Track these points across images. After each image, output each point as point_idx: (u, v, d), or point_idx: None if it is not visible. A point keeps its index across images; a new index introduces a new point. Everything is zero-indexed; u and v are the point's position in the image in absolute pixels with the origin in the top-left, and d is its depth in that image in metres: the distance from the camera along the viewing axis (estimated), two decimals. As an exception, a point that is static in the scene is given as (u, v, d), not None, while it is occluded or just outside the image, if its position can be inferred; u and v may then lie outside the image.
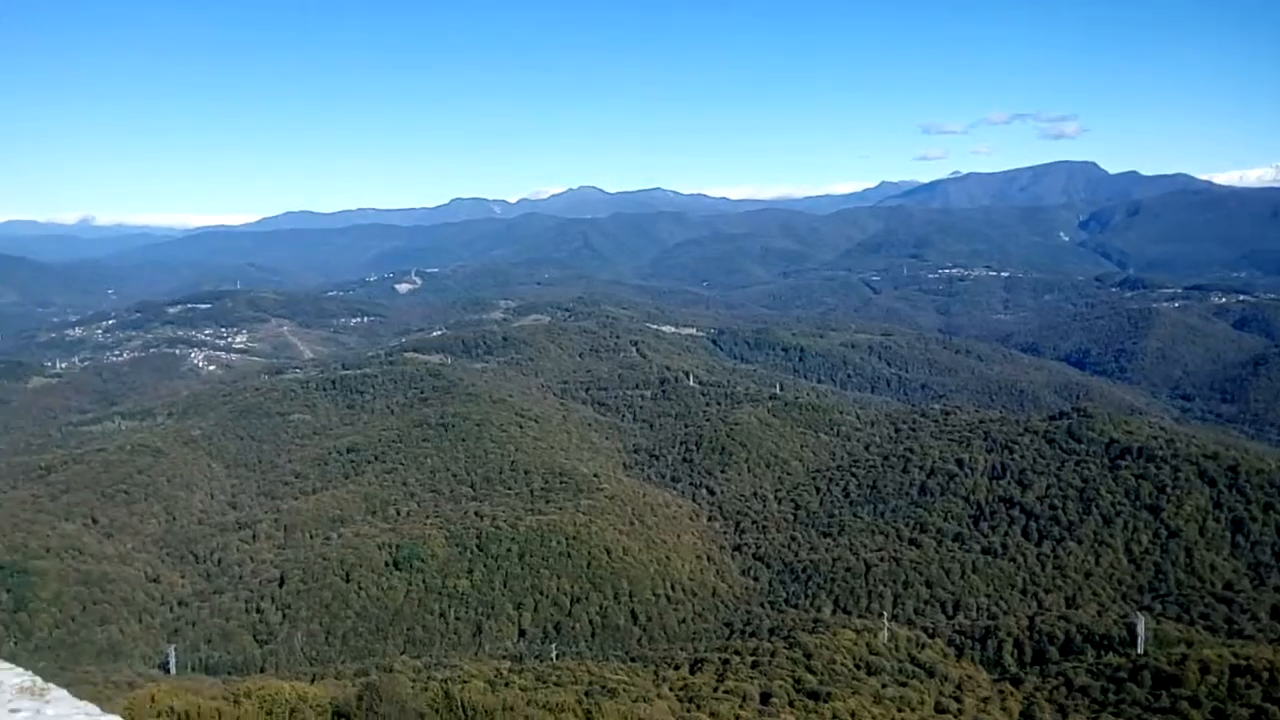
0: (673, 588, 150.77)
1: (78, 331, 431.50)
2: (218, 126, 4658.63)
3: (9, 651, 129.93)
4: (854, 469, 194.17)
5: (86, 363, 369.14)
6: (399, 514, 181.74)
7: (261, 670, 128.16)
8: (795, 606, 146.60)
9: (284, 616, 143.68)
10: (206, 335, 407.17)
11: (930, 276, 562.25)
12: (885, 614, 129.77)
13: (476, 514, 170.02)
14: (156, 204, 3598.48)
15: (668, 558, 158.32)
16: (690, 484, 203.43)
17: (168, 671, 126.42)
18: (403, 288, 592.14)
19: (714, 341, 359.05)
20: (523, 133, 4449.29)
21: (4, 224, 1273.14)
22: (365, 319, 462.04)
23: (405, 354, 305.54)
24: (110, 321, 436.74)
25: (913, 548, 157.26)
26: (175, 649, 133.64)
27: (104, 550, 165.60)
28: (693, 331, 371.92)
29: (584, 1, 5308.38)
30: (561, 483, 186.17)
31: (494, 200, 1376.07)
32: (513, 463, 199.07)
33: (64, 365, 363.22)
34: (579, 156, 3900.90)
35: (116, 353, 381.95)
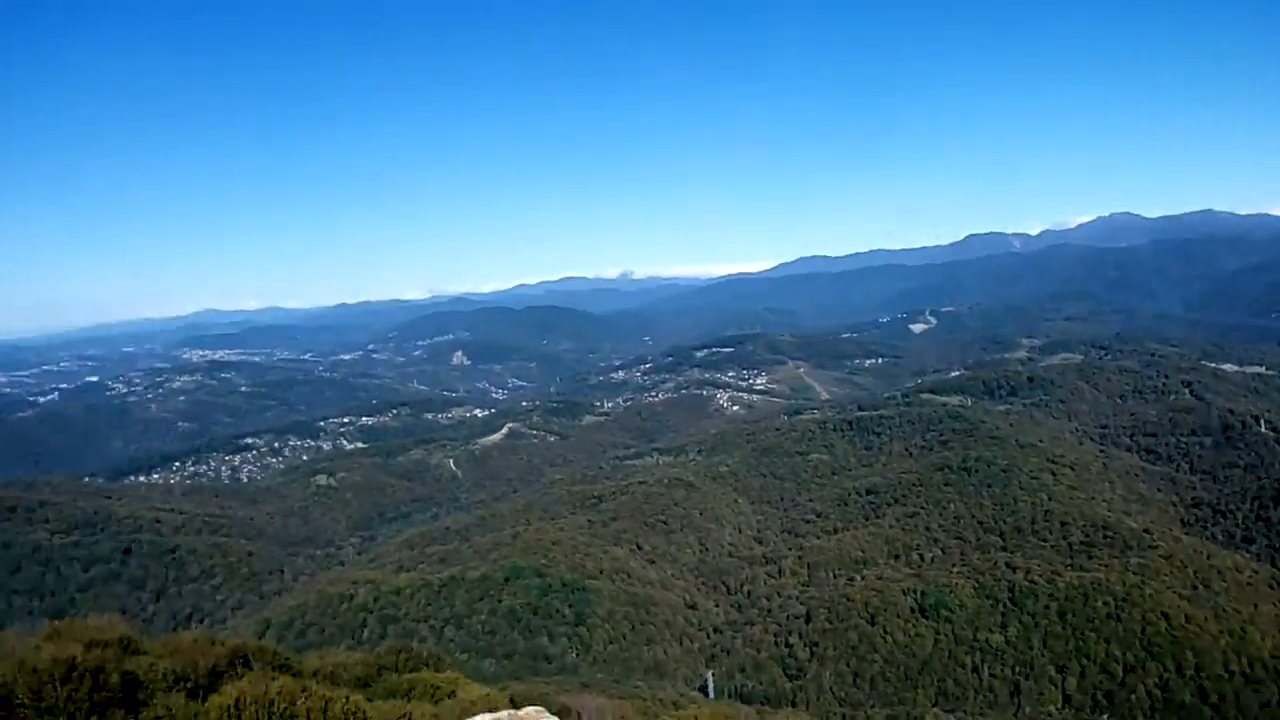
0: (1251, 665, 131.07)
1: (620, 374, 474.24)
2: (731, 184, 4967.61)
3: (571, 662, 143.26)
4: None
5: (629, 402, 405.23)
6: (922, 559, 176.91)
7: (793, 704, 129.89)
8: None
9: (811, 654, 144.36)
10: (730, 377, 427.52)
11: None
12: None
13: (1007, 565, 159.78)
14: (684, 257, 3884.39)
15: (1243, 630, 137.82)
16: (1268, 546, 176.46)
17: (706, 694, 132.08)
18: (917, 328, 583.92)
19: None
20: (1047, 160, 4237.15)
21: (561, 281, 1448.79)
22: (879, 360, 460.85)
23: (922, 395, 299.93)
24: (647, 365, 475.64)
25: None
26: (712, 674, 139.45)
27: (647, 575, 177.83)
28: (1261, 369, 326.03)
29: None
30: (1105, 537, 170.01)
31: (1013, 234, 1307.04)
32: (1046, 512, 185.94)
33: (610, 405, 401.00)
34: (1111, 179, 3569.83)
35: (653, 393, 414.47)
